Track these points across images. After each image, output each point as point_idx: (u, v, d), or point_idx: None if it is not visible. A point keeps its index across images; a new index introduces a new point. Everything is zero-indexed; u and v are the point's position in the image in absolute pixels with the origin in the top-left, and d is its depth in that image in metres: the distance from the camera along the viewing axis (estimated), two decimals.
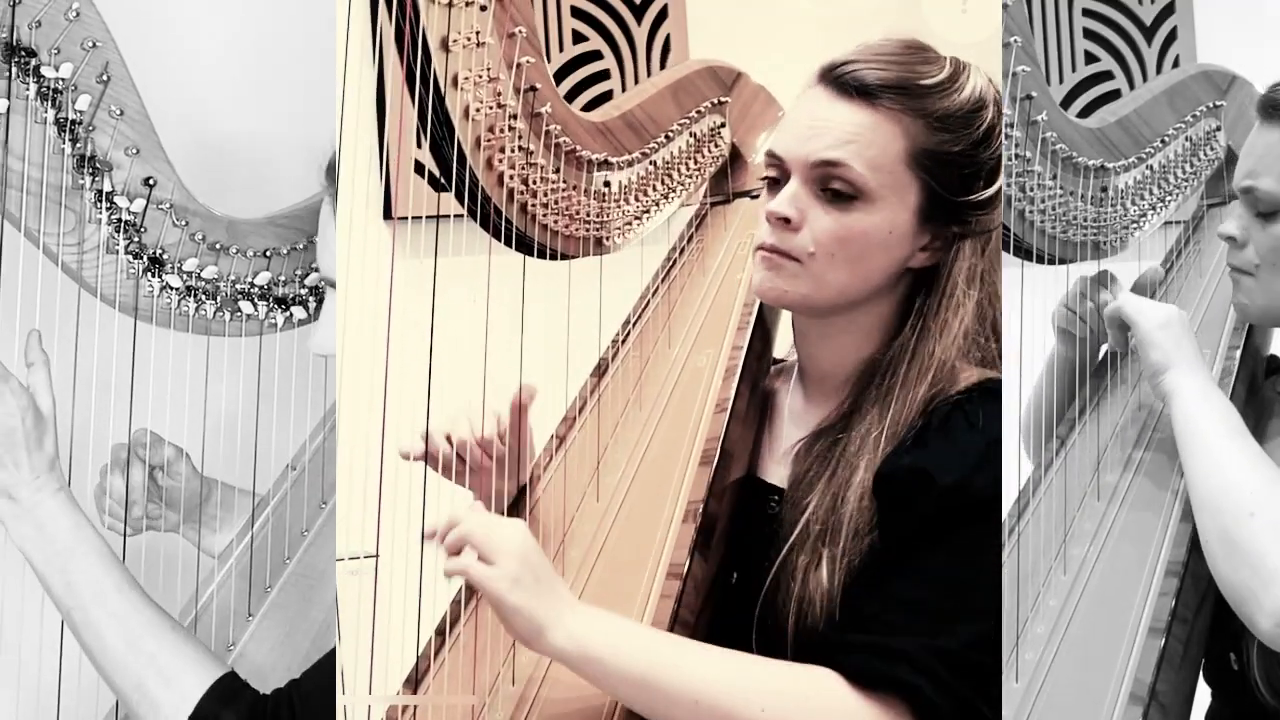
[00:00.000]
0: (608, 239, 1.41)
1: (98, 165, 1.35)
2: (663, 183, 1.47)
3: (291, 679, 1.29)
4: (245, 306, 1.46)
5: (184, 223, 1.41)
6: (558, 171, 1.32)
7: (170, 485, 1.55)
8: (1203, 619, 1.32)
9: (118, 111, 1.35)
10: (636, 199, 1.43)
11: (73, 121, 1.33)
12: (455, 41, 1.19)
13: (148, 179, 1.38)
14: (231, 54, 1.82)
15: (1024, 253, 1.48)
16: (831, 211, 1.19)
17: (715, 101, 1.53)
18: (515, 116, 1.26)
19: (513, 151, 1.27)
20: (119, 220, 1.37)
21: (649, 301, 1.55)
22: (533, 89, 1.27)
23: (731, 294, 1.47)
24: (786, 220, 1.20)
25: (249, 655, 1.47)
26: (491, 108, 1.24)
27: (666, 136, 1.46)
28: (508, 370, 1.32)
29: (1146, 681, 1.22)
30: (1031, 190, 1.44)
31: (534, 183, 1.30)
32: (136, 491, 1.51)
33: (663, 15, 2.37)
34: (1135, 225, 1.56)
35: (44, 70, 1.31)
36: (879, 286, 1.22)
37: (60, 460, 1.32)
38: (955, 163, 1.20)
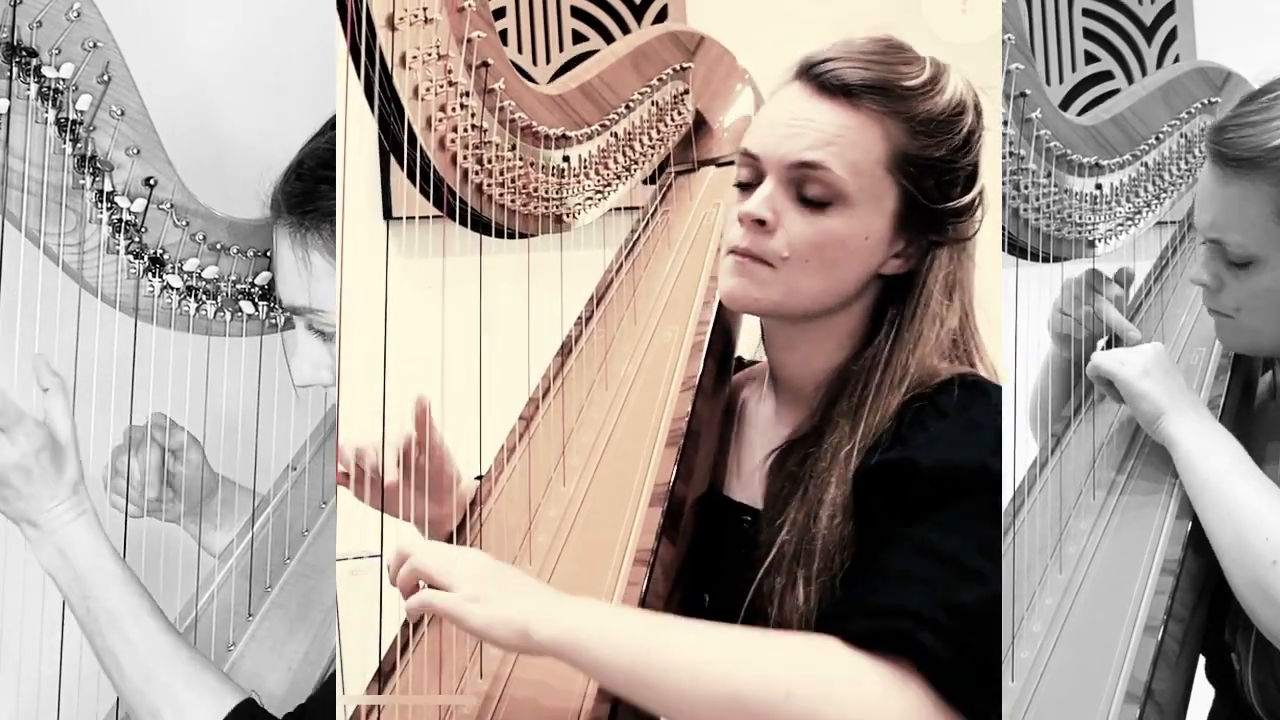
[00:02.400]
0: (568, 215, 1.37)
1: (98, 165, 1.35)
2: (624, 154, 1.43)
3: (300, 704, 1.32)
4: (246, 306, 1.46)
5: (185, 223, 1.41)
6: (514, 148, 1.28)
7: (180, 472, 1.55)
8: (1199, 617, 1.32)
9: (119, 111, 1.35)
10: (597, 173, 1.39)
11: (73, 121, 1.34)
12: (401, 19, 1.16)
13: (148, 179, 1.38)
14: (233, 54, 1.83)
15: (1019, 251, 1.48)
16: (808, 215, 1.16)
17: (678, 67, 1.48)
18: (467, 94, 1.23)
19: (465, 130, 1.23)
20: (120, 220, 1.37)
21: (613, 277, 1.50)
22: (485, 64, 1.24)
23: (698, 266, 1.43)
24: (761, 222, 1.16)
25: (249, 654, 1.48)
26: (442, 86, 1.20)
27: (627, 106, 1.41)
28: (469, 353, 1.29)
29: (1142, 680, 1.22)
30: (1026, 188, 1.45)
31: (489, 161, 1.26)
32: (150, 474, 1.51)
33: (662, 15, 2.37)
34: (1130, 222, 1.57)
35: (45, 70, 1.31)
36: (851, 293, 1.19)
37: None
38: (935, 168, 1.17)
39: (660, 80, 1.46)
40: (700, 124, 1.55)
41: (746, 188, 1.19)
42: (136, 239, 1.39)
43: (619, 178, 1.42)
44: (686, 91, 1.51)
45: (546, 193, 1.33)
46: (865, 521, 1.11)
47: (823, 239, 1.16)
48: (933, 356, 1.17)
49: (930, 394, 1.15)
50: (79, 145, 1.34)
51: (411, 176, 1.21)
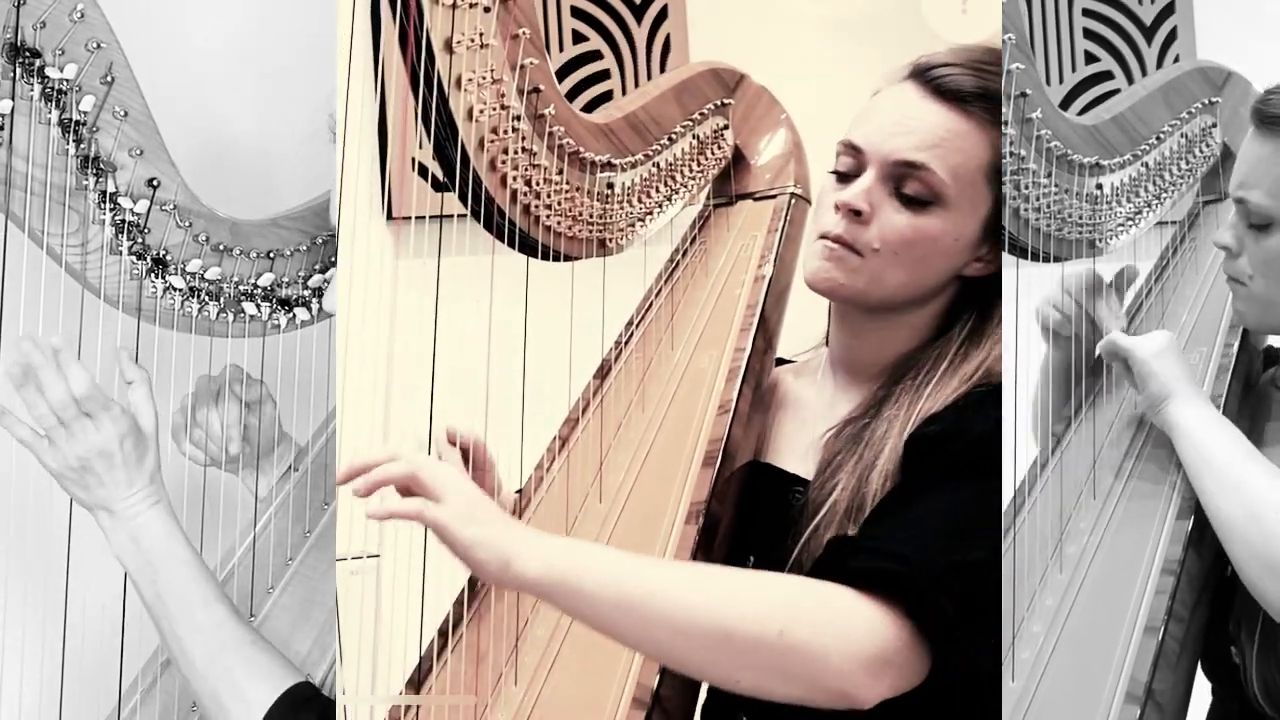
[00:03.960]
0: (611, 240, 1.41)
1: (101, 166, 1.36)
2: (666, 184, 1.47)
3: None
4: (248, 308, 1.46)
5: (187, 224, 1.41)
6: (561, 173, 1.32)
7: (253, 424, 1.56)
8: (1199, 617, 1.32)
9: (122, 112, 1.35)
10: (639, 200, 1.44)
11: (77, 122, 1.34)
12: (459, 43, 1.20)
13: (151, 180, 1.38)
14: (236, 55, 1.83)
15: (1019, 251, 1.48)
16: (903, 211, 1.20)
17: (718, 103, 1.53)
18: (519, 118, 1.27)
19: (516, 153, 1.27)
20: (122, 221, 1.38)
21: (652, 303, 1.55)
22: (536, 90, 1.28)
23: (734, 296, 1.47)
24: (858, 213, 1.20)
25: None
26: (495, 109, 1.24)
27: (670, 138, 1.46)
28: (511, 371, 1.32)
29: (1143, 680, 1.22)
30: (1026, 188, 1.45)
31: (537, 184, 1.30)
32: (233, 429, 1.53)
33: (663, 15, 2.37)
34: (1130, 222, 1.57)
35: (48, 71, 1.32)
36: (932, 290, 1.24)
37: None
38: None
39: (702, 115, 1.51)
40: (738, 159, 1.59)
41: (844, 178, 1.23)
42: (139, 240, 1.39)
43: (660, 206, 1.47)
44: (726, 126, 1.56)
45: (591, 217, 1.37)
46: (908, 475, 1.14)
47: (914, 236, 1.20)
48: (998, 359, 1.21)
49: (996, 386, 1.19)
50: (82, 146, 1.35)
51: (463, 197, 1.24)
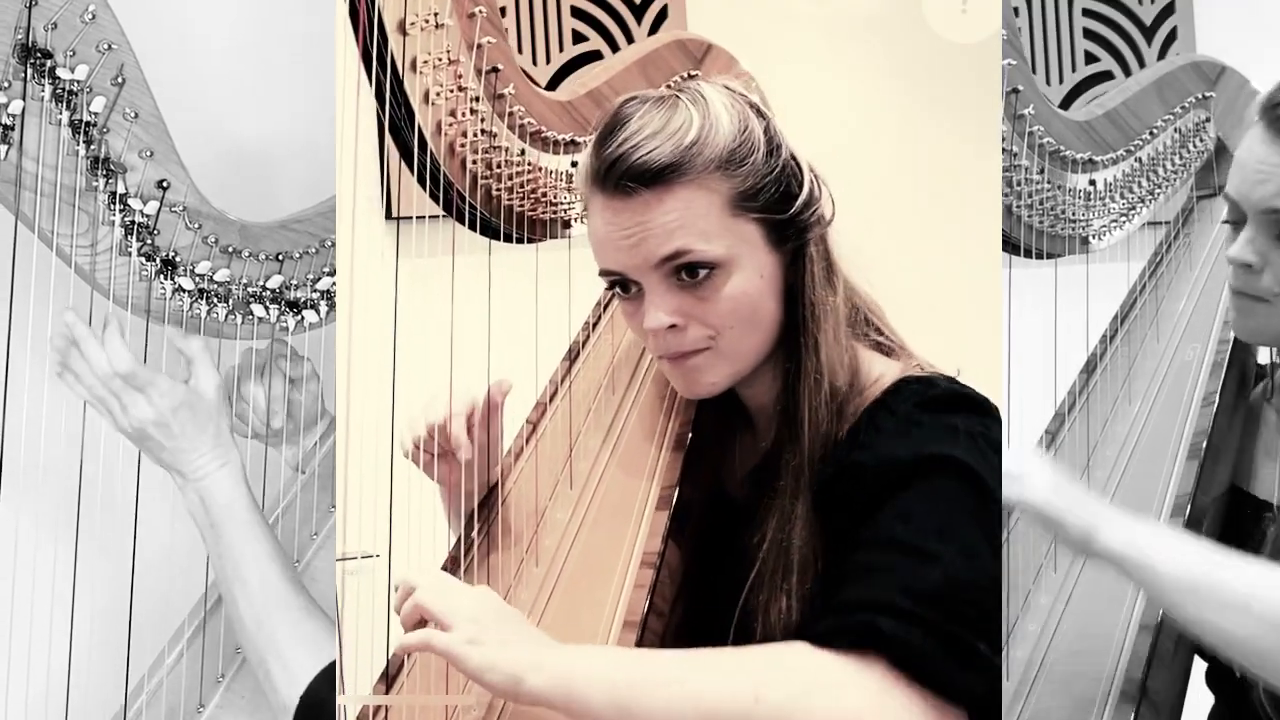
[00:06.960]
0: (576, 220, 1.38)
1: (112, 167, 1.36)
2: None
3: None
4: (257, 310, 1.46)
5: (197, 225, 1.41)
6: (523, 153, 1.30)
7: (297, 400, 1.57)
8: None
9: (132, 114, 1.36)
10: None
11: (87, 123, 1.34)
12: (413, 24, 1.17)
13: (161, 181, 1.38)
14: (246, 57, 1.82)
15: (1012, 247, 1.48)
16: (702, 292, 1.17)
17: (685, 75, 1.49)
18: (477, 99, 1.24)
19: (475, 135, 1.24)
20: (132, 222, 1.38)
21: None
22: (495, 70, 1.25)
23: None
24: (672, 326, 1.19)
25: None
26: (452, 91, 1.22)
27: None
28: (479, 357, 1.31)
29: (1137, 679, 1.23)
30: (1019, 185, 1.45)
31: (498, 166, 1.27)
32: (278, 402, 1.54)
33: (663, 15, 2.38)
34: (1124, 218, 1.57)
35: (59, 72, 1.32)
36: (781, 319, 1.22)
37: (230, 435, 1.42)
38: (764, 186, 1.18)
39: (668, 87, 1.44)
40: None
41: (626, 290, 1.21)
42: (149, 241, 1.39)
43: None
44: None
45: (555, 197, 1.35)
46: (832, 529, 1.13)
47: (730, 304, 1.18)
48: (845, 350, 1.20)
49: (882, 397, 1.18)
50: (92, 147, 1.35)
51: (422, 181, 1.23)
